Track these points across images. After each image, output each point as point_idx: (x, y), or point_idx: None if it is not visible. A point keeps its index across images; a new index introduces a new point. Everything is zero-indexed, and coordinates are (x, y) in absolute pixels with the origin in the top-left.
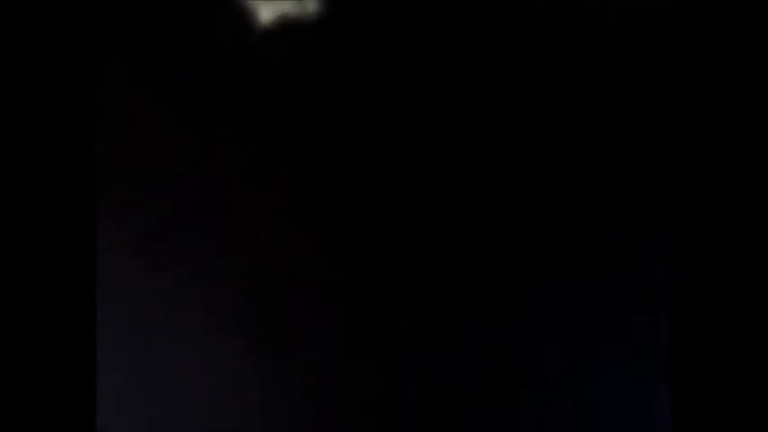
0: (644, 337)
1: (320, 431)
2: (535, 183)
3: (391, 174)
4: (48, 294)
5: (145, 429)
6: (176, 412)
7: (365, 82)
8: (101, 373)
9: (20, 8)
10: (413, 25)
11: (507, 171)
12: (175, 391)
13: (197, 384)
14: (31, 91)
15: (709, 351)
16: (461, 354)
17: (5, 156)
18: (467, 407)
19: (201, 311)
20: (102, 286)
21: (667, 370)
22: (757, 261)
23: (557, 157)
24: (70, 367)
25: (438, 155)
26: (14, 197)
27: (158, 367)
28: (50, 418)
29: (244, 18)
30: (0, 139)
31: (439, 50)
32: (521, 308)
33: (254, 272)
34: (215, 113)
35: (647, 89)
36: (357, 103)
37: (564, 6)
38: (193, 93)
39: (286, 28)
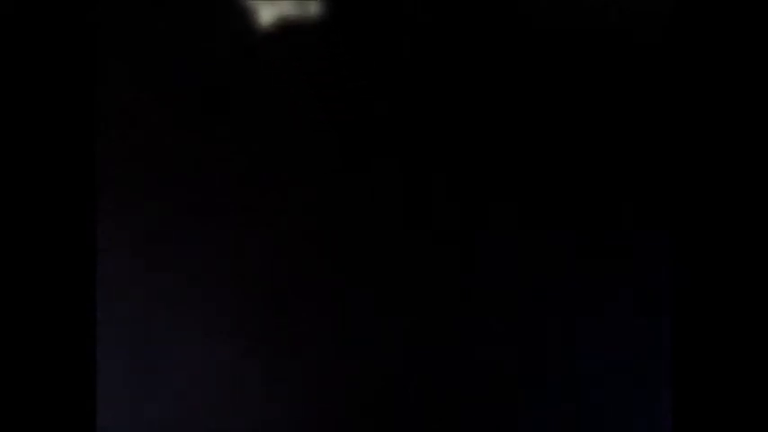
0: (646, 339)
1: (320, 431)
2: (537, 185)
3: (392, 175)
4: (48, 294)
5: (145, 429)
6: (176, 412)
7: (366, 84)
8: (101, 373)
9: (20, 8)
10: (415, 27)
11: (510, 173)
12: (175, 391)
13: (197, 384)
14: (30, 91)
15: (712, 353)
16: (462, 354)
17: (5, 156)
18: (467, 408)
19: (201, 311)
20: (102, 286)
21: (669, 372)
22: (759, 263)
23: (559, 158)
24: (70, 367)
25: (440, 157)
26: (14, 197)
27: (158, 367)
28: (50, 418)
29: (244, 19)
30: (0, 139)
31: (441, 52)
32: (522, 309)
33: (254, 272)
34: (215, 113)
35: (650, 91)
36: (358, 105)
37: (566, 8)
38: (193, 93)
39: (287, 29)
